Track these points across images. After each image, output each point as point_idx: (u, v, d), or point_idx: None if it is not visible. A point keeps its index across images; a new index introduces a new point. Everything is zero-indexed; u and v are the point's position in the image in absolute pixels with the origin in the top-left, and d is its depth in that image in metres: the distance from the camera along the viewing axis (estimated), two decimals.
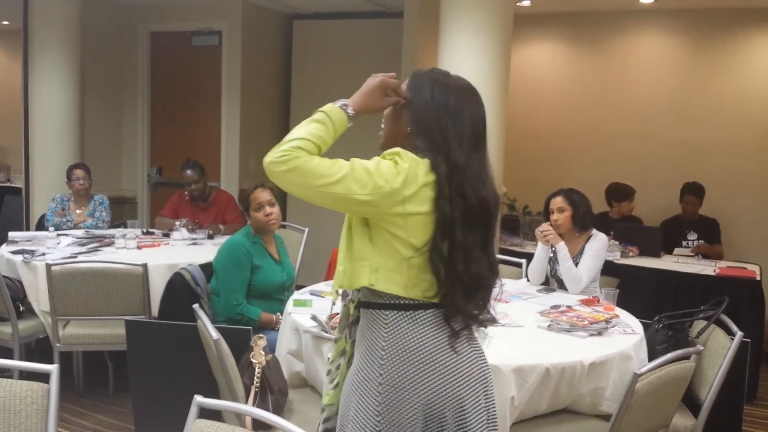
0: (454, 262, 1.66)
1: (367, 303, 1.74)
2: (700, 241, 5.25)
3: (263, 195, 3.56)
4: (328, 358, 1.91)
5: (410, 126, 1.74)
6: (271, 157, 1.61)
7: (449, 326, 1.71)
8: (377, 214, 1.64)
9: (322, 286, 3.44)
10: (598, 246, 3.64)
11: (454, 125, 1.70)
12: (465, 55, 4.35)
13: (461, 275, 1.67)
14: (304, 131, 1.65)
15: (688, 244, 5.25)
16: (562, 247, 3.61)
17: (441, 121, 1.70)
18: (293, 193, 1.63)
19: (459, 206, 1.66)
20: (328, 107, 1.72)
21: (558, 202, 3.69)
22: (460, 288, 1.68)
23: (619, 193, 5.49)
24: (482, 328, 1.80)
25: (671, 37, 6.12)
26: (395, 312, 1.69)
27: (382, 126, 1.82)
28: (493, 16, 4.36)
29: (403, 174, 1.62)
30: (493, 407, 1.82)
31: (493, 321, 1.80)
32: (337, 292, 1.77)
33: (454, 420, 1.68)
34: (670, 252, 5.09)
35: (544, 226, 3.68)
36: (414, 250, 1.66)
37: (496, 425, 1.83)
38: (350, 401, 1.74)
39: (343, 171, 1.60)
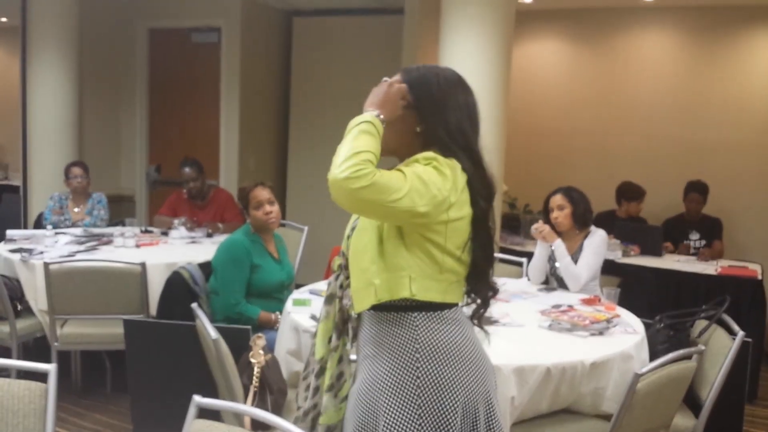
0: (486, 243, 1.73)
1: (384, 305, 1.69)
2: (703, 242, 5.23)
3: (263, 193, 3.54)
4: (321, 370, 1.84)
5: (421, 125, 1.72)
6: (345, 172, 1.50)
7: (469, 321, 1.76)
8: (426, 224, 1.63)
9: (321, 285, 3.42)
10: (597, 242, 3.63)
11: (467, 116, 1.73)
12: (466, 52, 4.34)
13: (491, 254, 1.76)
14: (362, 144, 1.56)
15: (690, 244, 5.23)
16: (559, 244, 3.60)
17: (456, 115, 1.71)
18: (360, 210, 1.58)
19: (485, 195, 1.71)
20: (371, 117, 1.63)
21: (558, 199, 3.68)
22: (488, 262, 1.76)
23: (628, 192, 5.47)
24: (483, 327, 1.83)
25: (674, 35, 6.11)
26: (421, 313, 1.68)
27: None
28: (495, 13, 4.35)
29: (449, 181, 1.63)
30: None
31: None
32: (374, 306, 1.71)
33: (485, 414, 1.70)
34: (675, 250, 5.08)
35: (539, 224, 3.66)
36: (449, 254, 1.67)
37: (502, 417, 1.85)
38: (377, 409, 1.68)
39: (407, 184, 1.56)
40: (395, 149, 1.74)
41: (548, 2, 6.11)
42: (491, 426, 1.71)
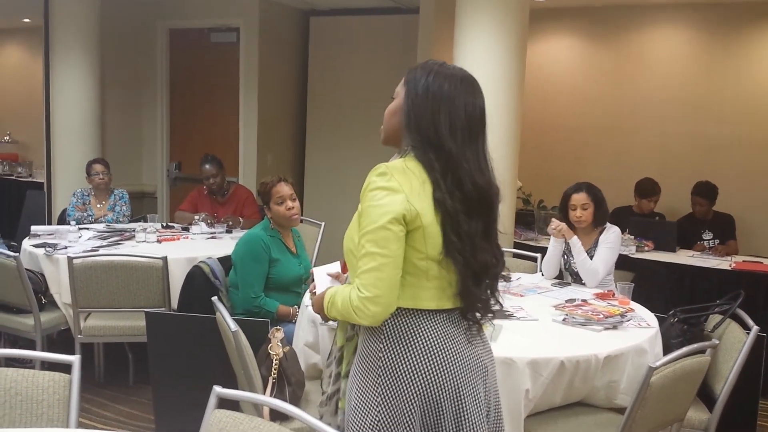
0: (464, 251, 1.68)
1: None
2: (716, 241, 5.21)
3: (285, 189, 3.56)
4: (341, 358, 1.91)
5: (403, 118, 1.72)
6: (367, 321, 1.65)
7: (453, 322, 1.74)
8: (406, 237, 1.66)
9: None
10: (612, 238, 3.64)
11: (447, 112, 1.68)
12: (481, 50, 4.35)
13: (471, 264, 1.69)
14: (336, 309, 1.73)
15: (705, 244, 5.21)
16: (575, 241, 3.61)
17: (433, 109, 1.68)
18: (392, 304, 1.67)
19: (458, 198, 1.66)
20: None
21: (582, 198, 3.65)
22: (470, 275, 1.70)
23: (642, 188, 5.45)
24: (490, 321, 1.82)
25: (687, 32, 6.08)
26: (401, 308, 1.71)
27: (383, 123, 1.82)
28: (509, 12, 4.35)
29: (400, 192, 1.63)
30: (496, 398, 1.83)
31: (500, 310, 1.82)
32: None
33: (451, 410, 1.70)
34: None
35: (555, 222, 3.67)
36: (430, 260, 1.67)
37: (500, 417, 1.84)
38: (352, 390, 1.76)
39: (373, 249, 1.63)
40: (390, 138, 1.78)
41: (561, 0, 6.10)
42: (461, 425, 1.70)
